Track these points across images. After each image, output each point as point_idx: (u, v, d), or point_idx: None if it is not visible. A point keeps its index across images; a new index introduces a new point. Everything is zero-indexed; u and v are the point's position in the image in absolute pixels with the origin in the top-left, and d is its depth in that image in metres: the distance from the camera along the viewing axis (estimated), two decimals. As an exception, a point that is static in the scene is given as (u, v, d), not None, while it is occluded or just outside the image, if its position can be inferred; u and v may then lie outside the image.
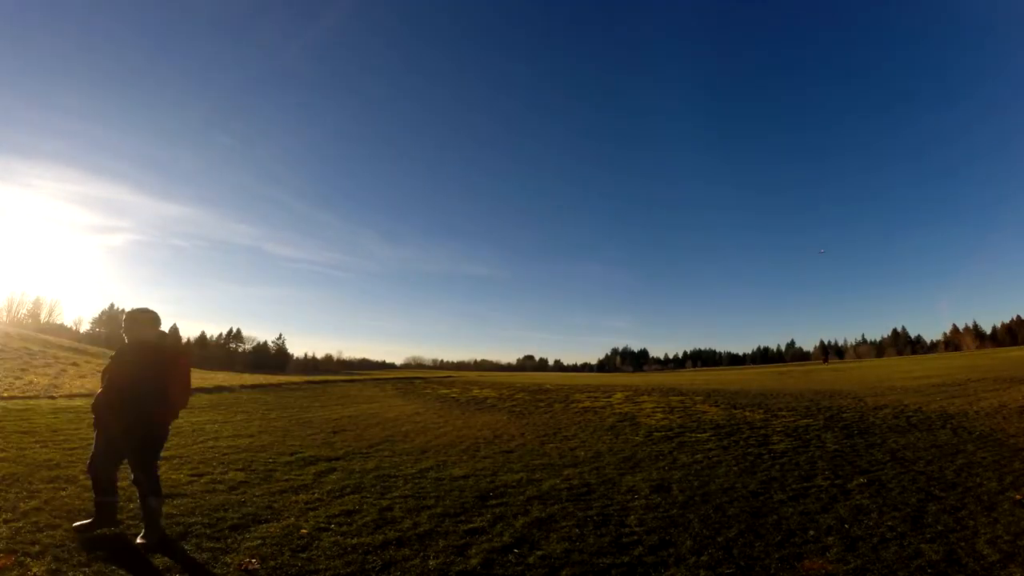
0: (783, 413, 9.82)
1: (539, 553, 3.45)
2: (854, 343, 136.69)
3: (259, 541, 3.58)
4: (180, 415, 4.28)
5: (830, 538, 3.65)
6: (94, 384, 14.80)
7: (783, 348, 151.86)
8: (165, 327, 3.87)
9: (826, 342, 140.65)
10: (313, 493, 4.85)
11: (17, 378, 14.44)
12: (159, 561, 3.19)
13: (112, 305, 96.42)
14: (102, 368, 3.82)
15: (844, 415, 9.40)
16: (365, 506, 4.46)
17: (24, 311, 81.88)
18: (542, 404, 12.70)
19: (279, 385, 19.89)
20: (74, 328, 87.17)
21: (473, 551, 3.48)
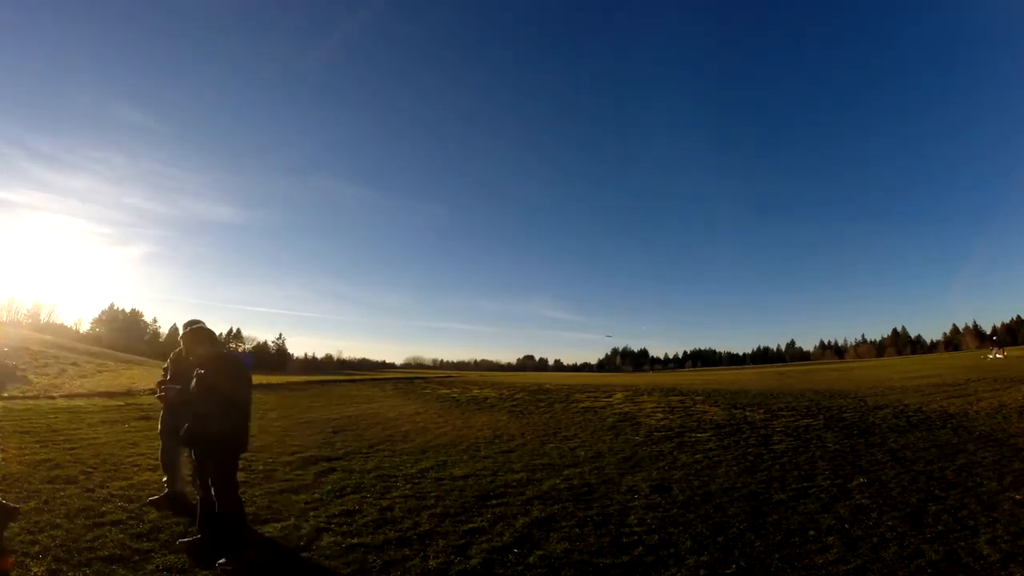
0: (783, 413, 9.82)
1: (539, 553, 3.45)
2: (854, 343, 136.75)
3: (259, 541, 3.58)
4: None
5: (830, 538, 3.65)
6: (94, 384, 14.79)
7: (783, 348, 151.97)
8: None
9: (826, 342, 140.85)
10: (313, 493, 4.85)
11: (17, 378, 14.40)
12: (161, 560, 3.19)
13: (112, 305, 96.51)
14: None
15: (844, 415, 9.40)
16: (365, 506, 4.46)
17: (23, 312, 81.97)
18: (542, 404, 12.69)
19: (279, 385, 19.86)
20: (74, 328, 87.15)
21: (473, 551, 3.48)
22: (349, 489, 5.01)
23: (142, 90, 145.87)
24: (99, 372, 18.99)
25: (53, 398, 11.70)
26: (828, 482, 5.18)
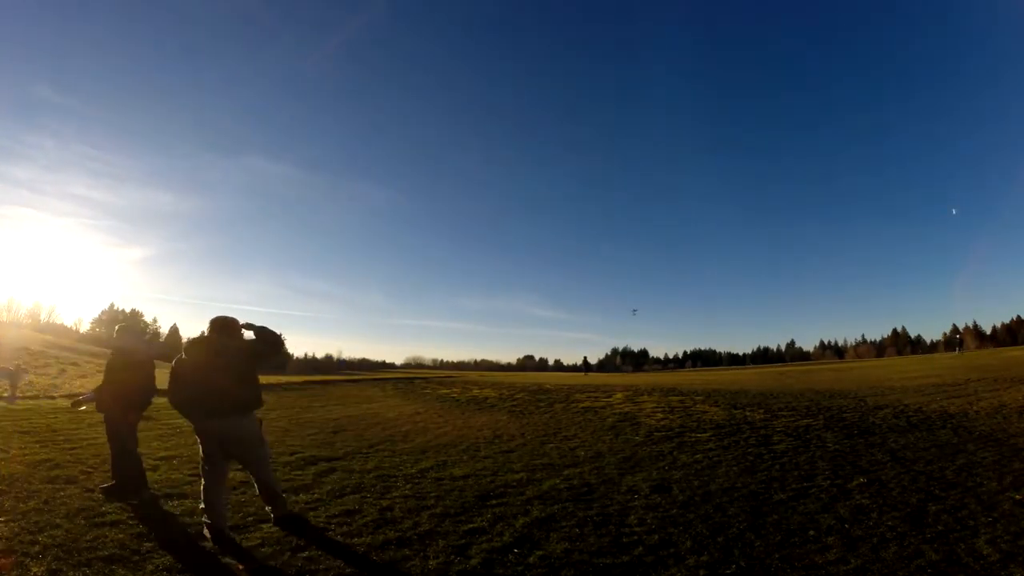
0: (783, 413, 9.82)
1: (539, 553, 3.45)
2: (854, 343, 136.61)
3: (259, 541, 3.59)
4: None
5: (830, 538, 3.65)
6: (94, 384, 14.80)
7: (783, 348, 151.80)
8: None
9: (826, 342, 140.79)
10: (313, 493, 4.85)
11: (17, 378, 14.42)
12: (161, 560, 3.19)
13: (112, 305, 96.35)
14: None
15: (844, 415, 9.40)
16: (365, 506, 4.46)
17: (23, 312, 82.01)
18: (542, 404, 12.70)
19: (279, 385, 19.86)
20: (74, 328, 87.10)
21: (473, 551, 3.48)
22: (349, 489, 5.01)
23: (56, 68, 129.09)
24: (99, 372, 18.98)
25: (53, 398, 11.71)
26: (828, 482, 5.18)
